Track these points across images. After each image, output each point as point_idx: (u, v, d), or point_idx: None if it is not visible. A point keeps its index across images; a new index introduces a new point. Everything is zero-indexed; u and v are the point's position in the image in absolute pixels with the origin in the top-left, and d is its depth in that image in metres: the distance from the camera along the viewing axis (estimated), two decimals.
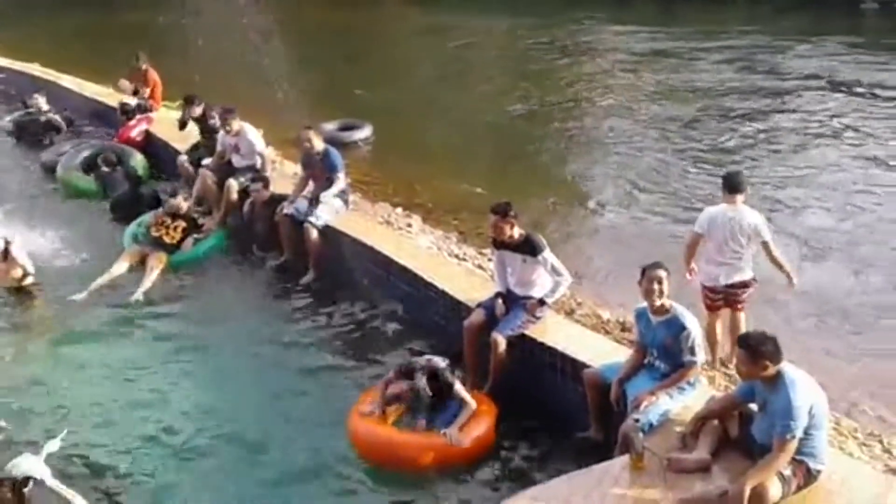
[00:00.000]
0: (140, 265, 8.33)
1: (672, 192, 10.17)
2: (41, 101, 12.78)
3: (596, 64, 16.60)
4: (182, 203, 8.76)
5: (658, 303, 5.13)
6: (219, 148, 9.42)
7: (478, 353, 6.16)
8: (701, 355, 5.15)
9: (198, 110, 10.11)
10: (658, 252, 6.24)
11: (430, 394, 5.58)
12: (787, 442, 4.23)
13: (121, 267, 8.27)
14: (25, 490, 4.84)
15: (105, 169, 10.52)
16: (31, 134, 12.54)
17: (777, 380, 4.32)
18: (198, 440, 5.95)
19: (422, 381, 5.58)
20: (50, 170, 11.14)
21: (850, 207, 9.50)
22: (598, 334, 6.25)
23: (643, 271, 5.21)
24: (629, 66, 16.13)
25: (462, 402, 5.61)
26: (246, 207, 8.82)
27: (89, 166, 10.70)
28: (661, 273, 5.12)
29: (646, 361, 5.31)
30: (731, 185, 6.26)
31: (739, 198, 6.20)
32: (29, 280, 8.05)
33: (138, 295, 7.89)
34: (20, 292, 8.06)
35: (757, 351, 4.31)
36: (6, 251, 7.94)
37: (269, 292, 8.10)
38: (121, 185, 10.27)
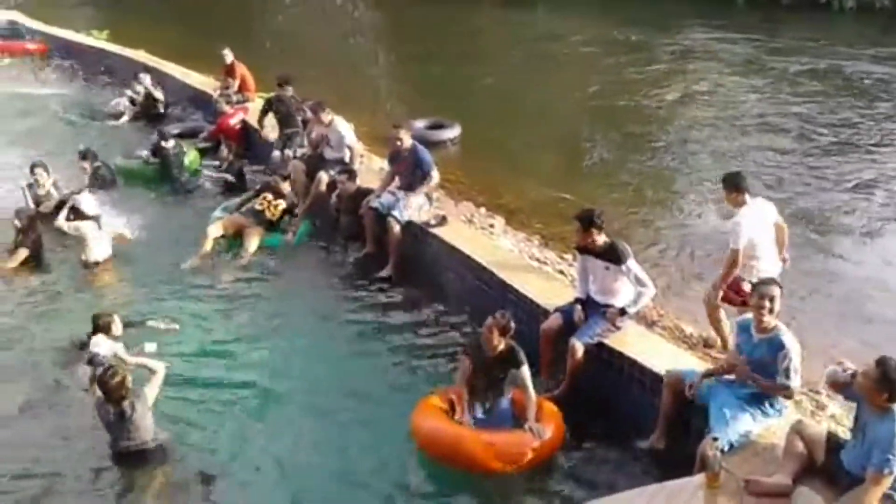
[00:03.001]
0: (233, 235, 8.80)
1: None
2: (147, 84, 13.72)
3: (693, 72, 16.21)
4: (286, 185, 9.19)
5: (766, 320, 4.94)
6: (312, 137, 9.62)
7: (552, 357, 6.12)
8: (796, 380, 4.92)
9: (290, 90, 10.38)
10: None
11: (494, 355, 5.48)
12: (885, 477, 4.02)
13: (215, 231, 8.70)
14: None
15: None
16: (137, 116, 13.51)
17: (888, 411, 4.10)
18: (266, 408, 6.21)
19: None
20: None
21: None
22: (680, 348, 6.08)
23: (754, 286, 5.09)
24: (727, 75, 15.72)
25: (523, 394, 5.54)
26: (333, 199, 8.98)
27: (153, 152, 11.07)
28: (775, 291, 4.93)
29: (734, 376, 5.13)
30: (746, 185, 6.10)
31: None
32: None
33: (244, 260, 8.48)
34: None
35: (889, 380, 4.07)
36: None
37: (348, 282, 8.21)
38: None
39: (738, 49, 17.55)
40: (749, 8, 21.40)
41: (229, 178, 10.66)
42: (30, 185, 9.58)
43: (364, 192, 8.65)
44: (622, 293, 6.02)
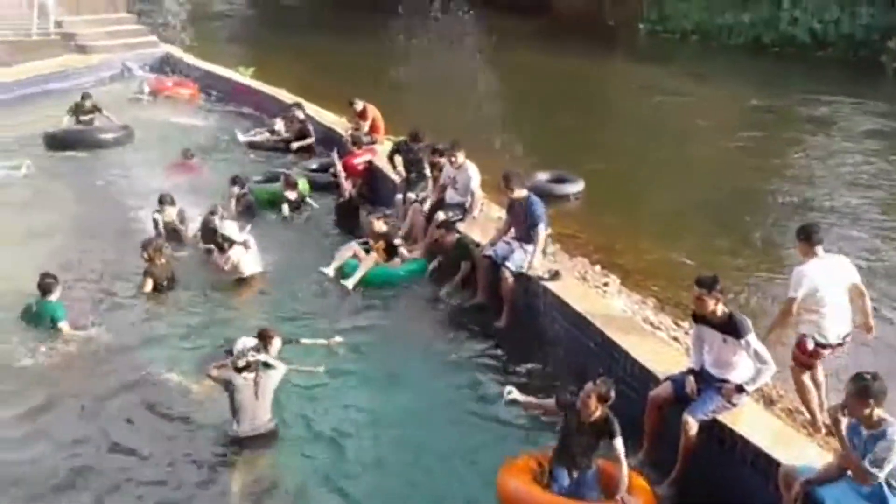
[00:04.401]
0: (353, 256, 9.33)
1: None
2: (280, 126, 14.54)
3: (828, 139, 15.50)
4: (380, 225, 9.49)
5: (874, 416, 4.57)
6: (441, 181, 9.77)
7: (657, 427, 5.88)
8: (883, 473, 4.52)
9: (419, 146, 10.64)
10: (885, 359, 5.61)
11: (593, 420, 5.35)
12: None
13: (345, 254, 9.27)
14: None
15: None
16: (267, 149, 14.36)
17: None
18: (354, 436, 6.43)
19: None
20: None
21: None
22: (801, 434, 5.69)
23: (853, 381, 4.65)
24: (866, 146, 14.90)
25: (615, 466, 5.37)
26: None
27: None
28: (882, 388, 4.55)
29: (849, 472, 4.74)
30: (818, 238, 6.05)
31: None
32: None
33: (354, 280, 8.96)
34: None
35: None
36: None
37: (457, 328, 8.22)
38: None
39: (884, 120, 16.66)
40: None
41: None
42: (157, 214, 10.11)
43: (470, 241, 8.77)
44: (739, 368, 5.71)
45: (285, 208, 11.30)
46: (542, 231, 8.22)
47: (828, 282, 5.89)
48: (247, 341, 6.56)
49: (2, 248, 10.10)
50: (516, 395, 5.89)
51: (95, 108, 15.06)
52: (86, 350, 7.71)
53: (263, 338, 6.84)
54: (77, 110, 14.99)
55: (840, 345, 6.04)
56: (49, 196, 12.58)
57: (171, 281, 9.01)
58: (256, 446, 6.26)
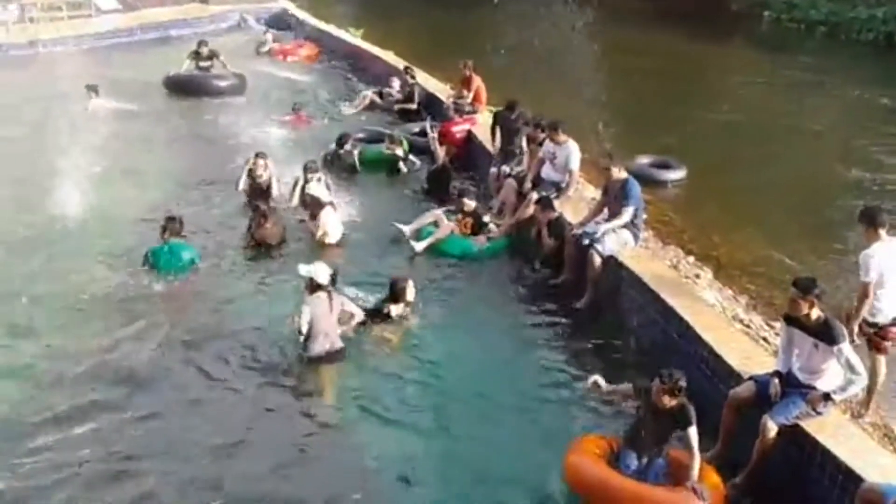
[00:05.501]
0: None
1: None
2: (395, 88, 14.80)
3: None
4: (469, 203, 9.43)
5: None
6: (540, 155, 9.68)
7: (734, 426, 5.71)
8: None
9: (514, 114, 10.53)
10: None
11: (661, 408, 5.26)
12: None
13: (426, 220, 9.37)
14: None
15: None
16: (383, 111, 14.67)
17: None
18: (425, 405, 6.49)
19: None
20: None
21: None
22: (887, 450, 5.42)
23: None
24: None
25: (688, 454, 5.26)
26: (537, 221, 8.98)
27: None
28: None
29: None
30: (882, 220, 6.02)
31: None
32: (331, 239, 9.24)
33: (424, 244, 9.08)
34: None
35: None
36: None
37: (537, 304, 8.16)
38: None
39: None
40: None
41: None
42: (249, 171, 10.20)
43: (565, 221, 8.59)
44: (828, 375, 5.47)
45: (403, 166, 11.56)
46: (629, 212, 8.03)
47: (890, 265, 5.93)
48: (317, 269, 6.98)
49: (106, 185, 10.66)
50: (600, 380, 5.82)
51: (213, 55, 15.60)
52: (191, 291, 8.15)
53: (394, 291, 7.39)
54: (196, 56, 15.57)
55: (892, 325, 6.06)
56: (161, 136, 13.17)
57: (279, 243, 9.12)
58: (329, 362, 6.86)
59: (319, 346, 6.84)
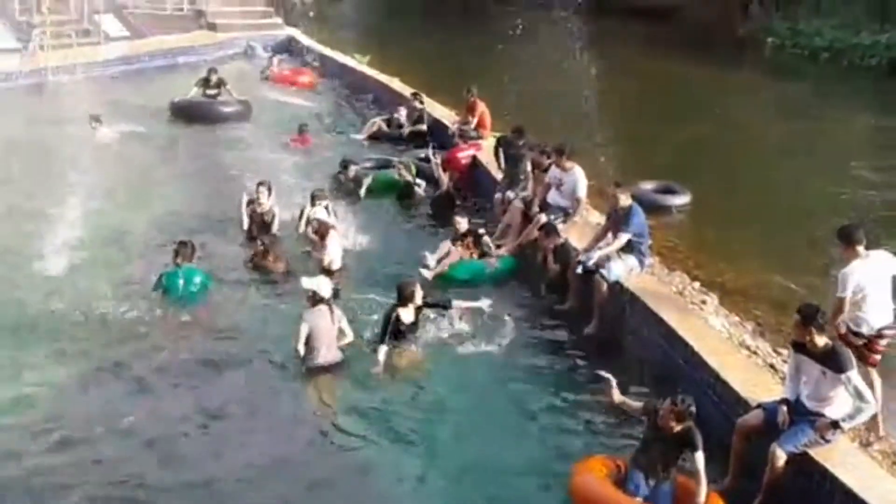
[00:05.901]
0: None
1: None
2: (402, 115, 14.76)
3: None
4: (462, 223, 9.44)
5: None
6: (546, 180, 9.70)
7: (744, 454, 5.65)
8: None
9: (521, 142, 10.57)
10: None
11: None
12: None
13: (442, 250, 9.26)
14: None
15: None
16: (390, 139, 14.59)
17: None
18: (430, 424, 6.52)
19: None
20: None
21: None
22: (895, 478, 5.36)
23: None
24: None
25: (694, 480, 5.23)
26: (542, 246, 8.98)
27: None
28: None
29: None
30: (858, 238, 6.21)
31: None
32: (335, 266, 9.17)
33: (433, 272, 8.98)
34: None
35: None
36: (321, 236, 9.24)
37: (545, 330, 8.15)
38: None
39: None
40: None
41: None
42: (250, 201, 10.08)
43: (571, 247, 8.58)
44: (836, 403, 5.44)
45: (420, 190, 11.59)
46: (623, 239, 8.01)
47: (871, 279, 6.11)
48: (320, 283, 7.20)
49: (117, 206, 10.70)
50: (614, 386, 5.81)
51: (221, 83, 15.75)
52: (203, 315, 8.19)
53: (404, 295, 7.43)
54: (205, 84, 15.71)
55: (878, 337, 6.16)
56: (168, 162, 13.25)
57: (285, 273, 9.07)
58: (330, 372, 7.04)
59: (321, 358, 7.02)
